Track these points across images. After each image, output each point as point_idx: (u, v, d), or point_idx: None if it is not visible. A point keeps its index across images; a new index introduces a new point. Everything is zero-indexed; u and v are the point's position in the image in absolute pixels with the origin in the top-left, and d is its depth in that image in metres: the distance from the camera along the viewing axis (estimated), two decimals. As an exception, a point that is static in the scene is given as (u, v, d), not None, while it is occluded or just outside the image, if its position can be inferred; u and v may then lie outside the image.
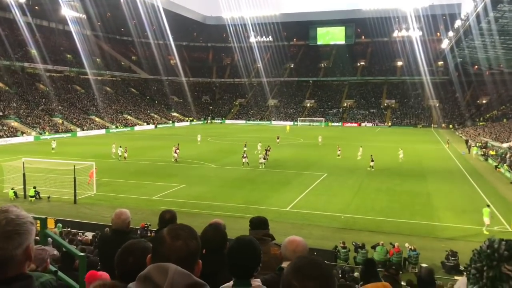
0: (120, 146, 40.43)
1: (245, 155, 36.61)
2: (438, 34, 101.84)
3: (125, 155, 39.63)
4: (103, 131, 72.82)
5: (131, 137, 60.86)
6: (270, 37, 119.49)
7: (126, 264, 2.22)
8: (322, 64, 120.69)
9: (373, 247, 16.72)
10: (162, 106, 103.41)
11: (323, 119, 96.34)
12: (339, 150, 42.52)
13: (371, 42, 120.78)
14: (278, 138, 53.31)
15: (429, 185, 29.83)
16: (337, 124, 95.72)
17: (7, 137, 57.69)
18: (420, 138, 63.27)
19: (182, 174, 33.05)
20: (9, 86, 74.26)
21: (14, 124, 63.54)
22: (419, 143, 56.94)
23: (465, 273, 1.50)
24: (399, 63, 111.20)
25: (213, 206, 23.58)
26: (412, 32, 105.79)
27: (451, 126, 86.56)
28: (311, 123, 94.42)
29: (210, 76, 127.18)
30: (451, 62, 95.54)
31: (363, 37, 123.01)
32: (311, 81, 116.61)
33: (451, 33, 76.25)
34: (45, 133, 63.32)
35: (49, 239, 4.69)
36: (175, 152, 39.13)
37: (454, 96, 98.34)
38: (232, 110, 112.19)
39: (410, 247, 16.51)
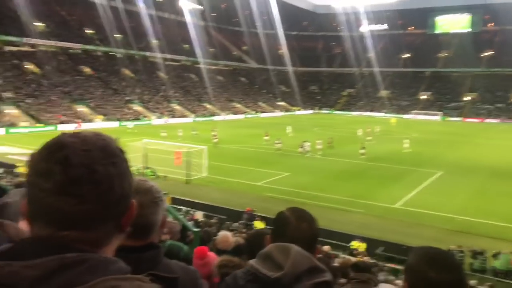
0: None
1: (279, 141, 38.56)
2: None
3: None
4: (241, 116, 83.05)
5: (237, 125, 62.97)
6: (384, 25, 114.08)
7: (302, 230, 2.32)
8: (442, 54, 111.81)
9: (495, 255, 15.12)
10: (270, 95, 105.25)
11: (440, 113, 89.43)
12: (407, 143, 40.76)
13: (500, 30, 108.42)
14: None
15: None
16: (455, 119, 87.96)
17: (131, 120, 63.67)
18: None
19: (286, 163, 33.26)
20: (134, 73, 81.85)
21: (138, 108, 69.92)
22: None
23: None
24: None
25: (318, 197, 23.32)
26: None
27: None
28: (427, 117, 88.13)
29: (319, 66, 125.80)
30: None
31: (489, 24, 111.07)
32: (427, 72, 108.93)
33: None
34: (163, 117, 68.70)
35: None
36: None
37: None
38: (339, 101, 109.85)
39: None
